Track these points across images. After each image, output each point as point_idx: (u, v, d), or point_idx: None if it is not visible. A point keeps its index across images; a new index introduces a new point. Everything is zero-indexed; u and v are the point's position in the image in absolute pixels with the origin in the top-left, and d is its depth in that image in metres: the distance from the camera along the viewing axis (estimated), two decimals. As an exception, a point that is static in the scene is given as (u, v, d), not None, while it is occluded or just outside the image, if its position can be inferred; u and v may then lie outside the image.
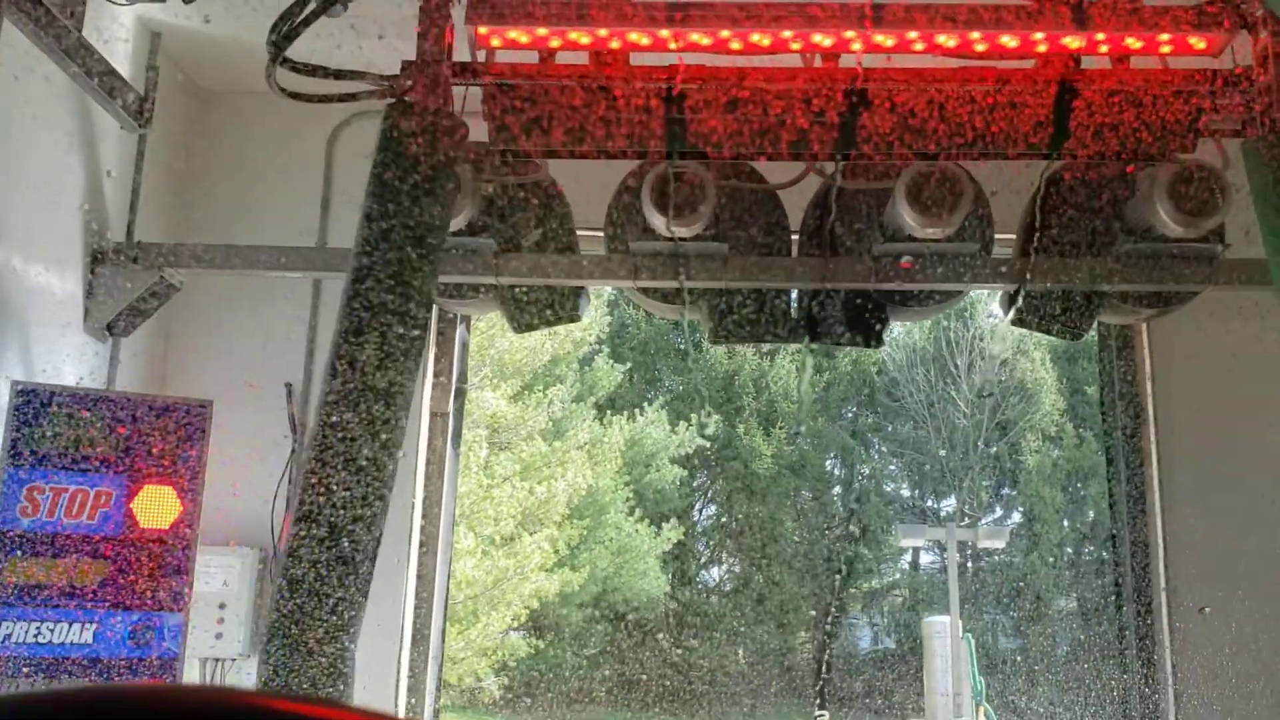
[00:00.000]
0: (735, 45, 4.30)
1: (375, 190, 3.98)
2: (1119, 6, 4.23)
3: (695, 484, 26.12)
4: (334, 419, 3.59)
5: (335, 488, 3.52)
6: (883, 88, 4.29)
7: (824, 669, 23.62)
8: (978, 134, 4.32)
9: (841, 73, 4.31)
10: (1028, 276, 4.95)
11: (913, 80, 4.34)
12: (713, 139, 4.37)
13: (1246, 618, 5.17)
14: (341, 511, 3.52)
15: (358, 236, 3.91)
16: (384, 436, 3.62)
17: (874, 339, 5.25)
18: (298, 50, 4.57)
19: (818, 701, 22.87)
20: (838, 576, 24.51)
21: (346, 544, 3.48)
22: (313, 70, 4.34)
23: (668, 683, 22.88)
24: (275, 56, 4.20)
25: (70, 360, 5.02)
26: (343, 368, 3.65)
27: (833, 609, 24.31)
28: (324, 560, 3.46)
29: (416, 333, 3.78)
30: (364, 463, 3.57)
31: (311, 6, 4.12)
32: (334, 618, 3.44)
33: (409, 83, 4.15)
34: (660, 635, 23.42)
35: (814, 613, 24.29)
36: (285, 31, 4.16)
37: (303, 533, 3.49)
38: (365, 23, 4.85)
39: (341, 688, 3.45)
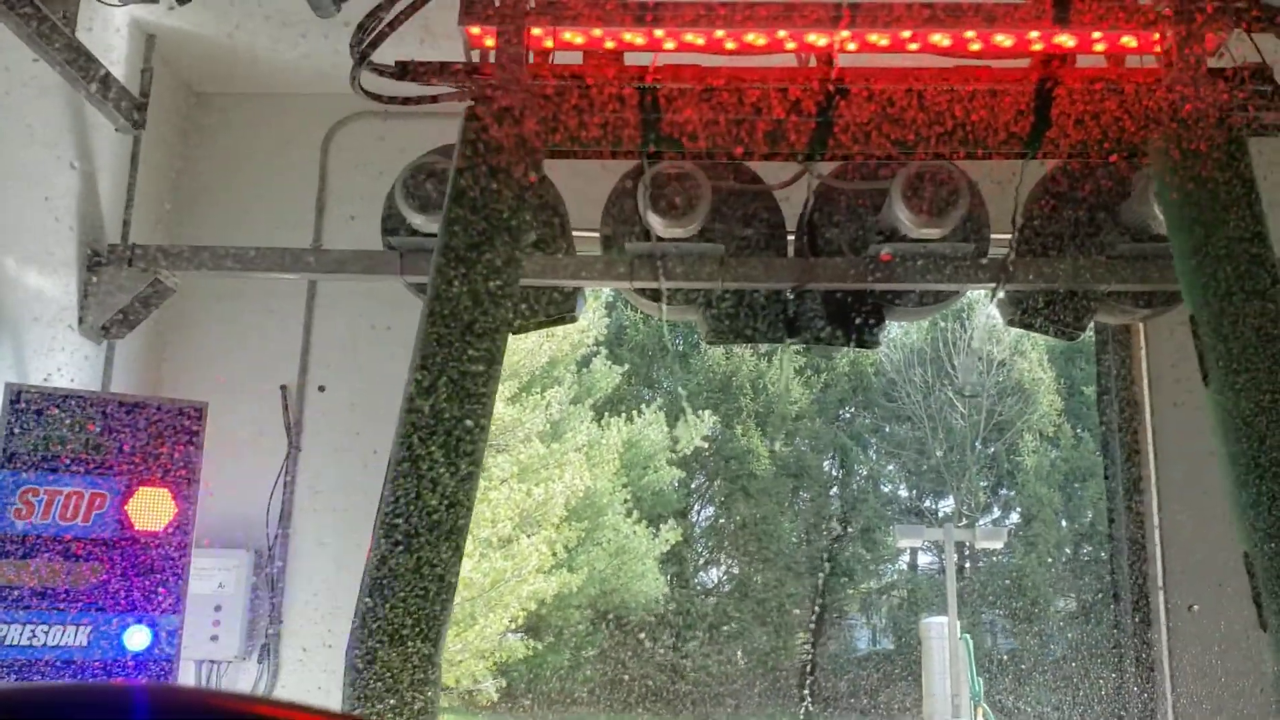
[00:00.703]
0: (730, 45, 4.30)
1: (457, 193, 3.95)
2: (1115, 6, 4.23)
3: (693, 485, 26.12)
4: (417, 437, 3.62)
5: (420, 501, 3.55)
6: (869, 86, 4.29)
7: (809, 669, 23.65)
8: (963, 132, 4.32)
9: (836, 72, 4.30)
10: (1009, 271, 4.96)
11: (906, 79, 4.34)
12: (701, 137, 4.37)
13: (1237, 615, 5.16)
14: (427, 525, 3.54)
15: (439, 243, 3.89)
16: (468, 449, 3.65)
17: (870, 339, 5.25)
18: (293, 50, 4.54)
19: (805, 705, 22.89)
20: (820, 576, 24.53)
21: (431, 558, 3.51)
22: (401, 72, 4.31)
23: (653, 683, 22.87)
24: (360, 61, 4.18)
25: (65, 362, 5.01)
26: (424, 383, 3.66)
27: (817, 609, 24.31)
28: (410, 577, 3.49)
29: (499, 343, 3.78)
30: (447, 479, 3.60)
31: (396, 11, 4.11)
32: (421, 627, 3.47)
33: (489, 85, 4.11)
34: (658, 637, 23.40)
35: (797, 612, 24.30)
36: (371, 38, 4.14)
37: (387, 549, 3.51)
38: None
39: (430, 694, 3.49)
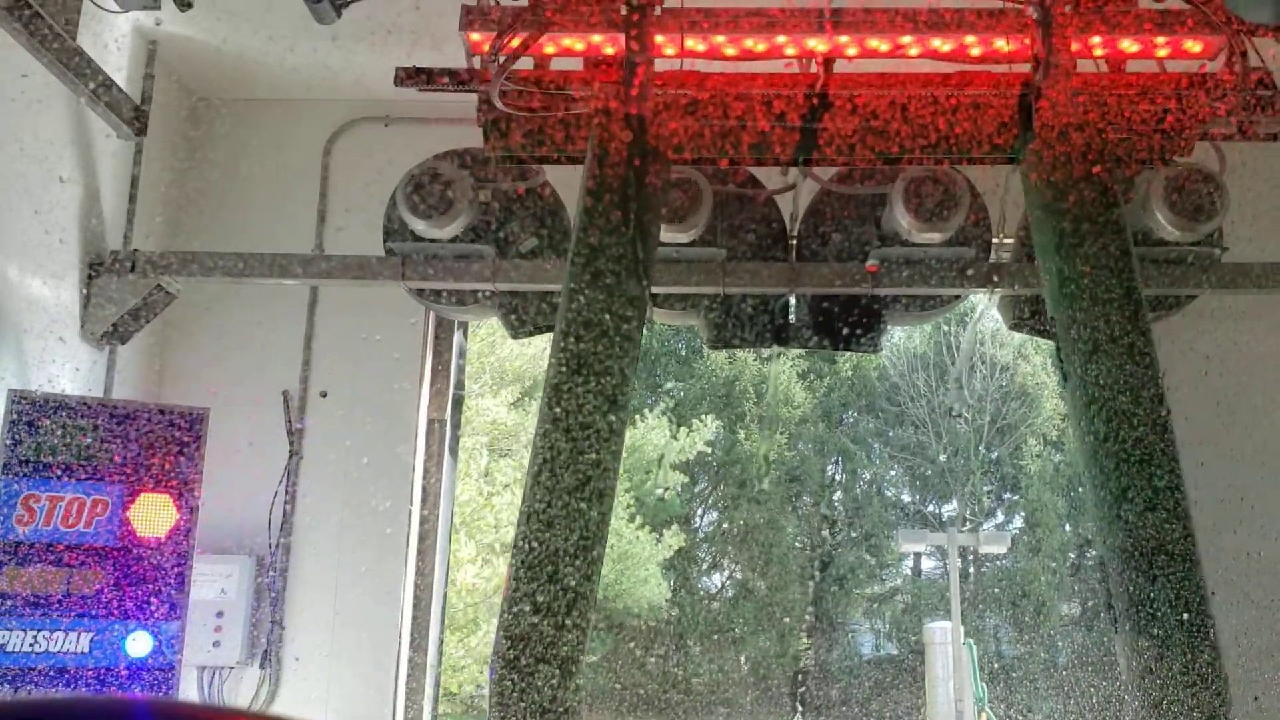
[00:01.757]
0: (730, 51, 4.29)
1: (592, 196, 3.95)
2: (1115, 11, 4.22)
3: (696, 490, 26.08)
4: (554, 440, 3.63)
5: (557, 527, 3.57)
6: (853, 97, 4.28)
7: (801, 677, 23.63)
8: (948, 143, 4.31)
9: (823, 81, 4.30)
10: (995, 279, 4.94)
11: (891, 86, 4.33)
12: (705, 145, 4.36)
13: (1224, 622, 5.14)
14: (567, 526, 3.56)
15: (573, 246, 3.89)
16: (606, 450, 3.66)
17: (870, 344, 5.25)
18: (294, 56, 4.48)
19: (799, 710, 22.84)
20: (812, 582, 24.49)
21: (569, 584, 3.53)
22: (537, 84, 4.28)
23: (644, 691, 22.82)
24: (500, 75, 4.14)
25: (67, 368, 5.01)
26: (559, 404, 3.68)
27: (810, 615, 24.26)
28: (549, 607, 3.51)
29: (633, 347, 3.79)
30: (587, 482, 3.62)
31: (529, 29, 4.10)
32: (562, 652, 3.49)
33: (617, 91, 4.10)
34: (660, 643, 23.36)
35: (788, 620, 24.24)
36: (505, 58, 4.13)
37: (532, 546, 3.55)
38: (348, 28, 4.85)
39: (578, 683, 3.50)
